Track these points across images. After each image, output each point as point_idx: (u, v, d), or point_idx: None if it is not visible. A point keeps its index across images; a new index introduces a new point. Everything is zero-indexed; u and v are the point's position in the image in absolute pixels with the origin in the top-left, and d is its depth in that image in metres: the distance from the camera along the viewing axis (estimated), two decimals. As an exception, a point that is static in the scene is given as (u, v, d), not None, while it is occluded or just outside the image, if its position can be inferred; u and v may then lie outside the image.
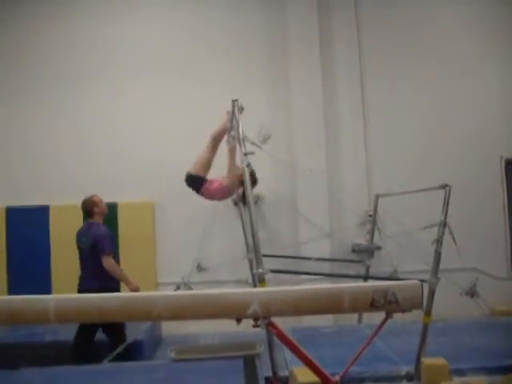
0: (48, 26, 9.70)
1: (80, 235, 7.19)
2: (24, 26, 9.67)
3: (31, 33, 9.66)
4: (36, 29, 9.67)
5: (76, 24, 9.73)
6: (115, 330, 6.83)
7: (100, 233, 7.05)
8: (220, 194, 7.50)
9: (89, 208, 7.25)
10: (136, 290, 6.97)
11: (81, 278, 7.13)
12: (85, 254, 7.08)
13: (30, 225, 9.29)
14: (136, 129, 9.49)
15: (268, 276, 6.10)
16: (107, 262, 6.92)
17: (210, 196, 7.52)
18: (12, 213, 9.34)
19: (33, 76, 9.62)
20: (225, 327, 6.11)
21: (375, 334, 4.07)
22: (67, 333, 7.12)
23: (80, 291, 6.88)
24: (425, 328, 6.28)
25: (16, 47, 9.68)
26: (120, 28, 9.75)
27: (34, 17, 9.70)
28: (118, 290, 7.00)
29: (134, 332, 7.10)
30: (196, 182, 7.43)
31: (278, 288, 3.99)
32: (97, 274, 6.92)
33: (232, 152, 7.14)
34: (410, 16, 9.78)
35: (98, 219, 7.24)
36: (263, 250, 6.26)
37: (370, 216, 9.01)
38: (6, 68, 9.65)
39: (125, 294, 4.20)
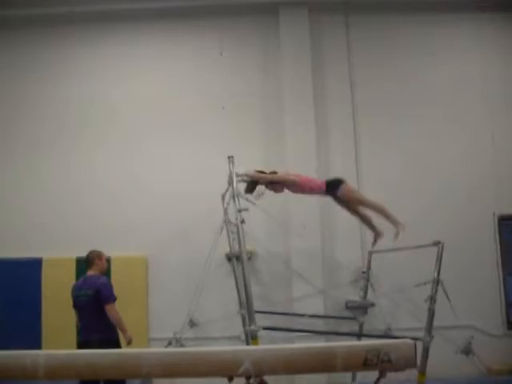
0: (45, 83, 9.89)
1: (79, 288, 7.06)
2: (21, 80, 9.87)
3: (29, 89, 9.83)
4: (34, 85, 9.85)
5: (72, 80, 9.92)
6: None
7: (103, 281, 6.98)
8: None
9: (92, 259, 7.14)
10: (130, 341, 6.89)
11: (81, 330, 7.03)
12: (85, 306, 6.98)
13: (21, 277, 9.18)
14: (130, 183, 9.53)
15: (261, 333, 6.05)
16: (112, 309, 6.82)
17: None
18: (3, 265, 9.23)
19: (29, 129, 9.76)
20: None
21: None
22: None
23: (82, 343, 6.76)
24: (419, 387, 6.21)
25: (15, 102, 9.85)
26: (113, 85, 9.91)
27: (31, 73, 9.93)
28: (118, 340, 6.90)
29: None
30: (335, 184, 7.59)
31: (270, 346, 3.97)
32: (99, 324, 6.78)
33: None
34: (403, 73, 9.98)
35: (97, 271, 7.18)
36: (256, 306, 6.25)
37: (363, 273, 8.97)
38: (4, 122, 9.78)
39: (115, 350, 4.15)
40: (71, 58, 9.99)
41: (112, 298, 6.86)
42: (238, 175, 7.21)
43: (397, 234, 7.31)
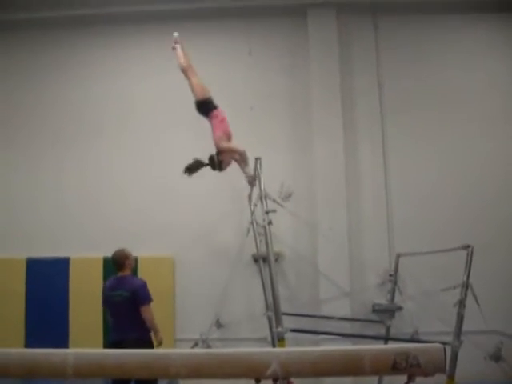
0: (61, 84, 10.04)
1: (112, 288, 7.10)
2: (38, 82, 10.03)
3: (46, 90, 9.98)
4: (50, 87, 10.00)
5: (92, 81, 10.04)
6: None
7: (139, 283, 7.06)
8: (223, 130, 7.42)
9: (121, 261, 7.18)
10: (161, 342, 6.94)
11: (114, 329, 7.08)
12: (120, 306, 6.99)
13: (49, 276, 9.29)
14: (157, 184, 9.57)
15: (287, 335, 6.04)
16: (148, 311, 6.91)
17: (219, 124, 7.45)
18: (32, 264, 9.38)
19: (54, 129, 9.91)
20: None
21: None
22: None
23: (115, 342, 6.80)
24: (448, 392, 6.14)
25: (32, 104, 9.99)
26: (136, 85, 9.98)
27: (47, 75, 10.09)
28: (151, 340, 6.93)
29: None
30: (204, 105, 7.50)
31: (297, 348, 3.95)
32: (134, 325, 6.84)
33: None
34: (431, 75, 9.88)
35: (128, 271, 7.22)
36: (283, 308, 6.24)
37: (390, 276, 8.90)
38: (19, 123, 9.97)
39: (143, 350, 4.15)
40: (91, 59, 10.08)
41: (148, 300, 6.94)
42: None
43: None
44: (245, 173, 7.39)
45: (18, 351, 3.82)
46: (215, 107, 7.46)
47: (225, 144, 7.19)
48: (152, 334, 6.95)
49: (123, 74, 10.04)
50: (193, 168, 7.35)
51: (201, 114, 7.50)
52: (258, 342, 8.71)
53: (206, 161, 7.28)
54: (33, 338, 8.96)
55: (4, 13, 9.84)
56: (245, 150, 7.23)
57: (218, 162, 7.22)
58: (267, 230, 6.35)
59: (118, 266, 7.17)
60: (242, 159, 7.30)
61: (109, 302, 7.07)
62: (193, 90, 7.54)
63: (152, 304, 6.93)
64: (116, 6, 9.81)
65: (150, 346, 6.77)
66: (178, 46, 7.52)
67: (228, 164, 7.30)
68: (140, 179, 9.64)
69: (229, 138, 7.36)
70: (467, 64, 9.93)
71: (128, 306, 6.90)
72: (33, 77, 10.07)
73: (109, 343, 6.95)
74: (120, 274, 7.16)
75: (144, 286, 7.01)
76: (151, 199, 9.55)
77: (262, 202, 6.60)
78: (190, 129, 9.62)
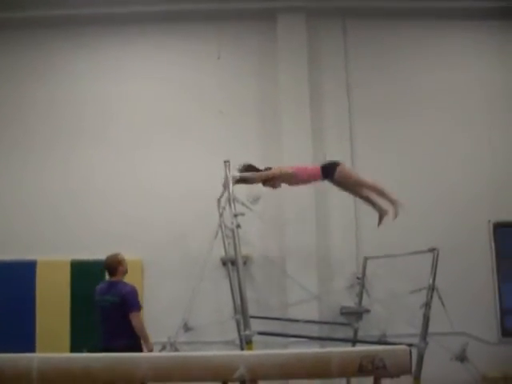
0: (44, 84, 9.89)
1: (102, 292, 7.10)
2: (19, 82, 9.89)
3: (28, 90, 9.85)
4: (32, 87, 9.86)
5: (70, 82, 9.91)
6: None
7: (129, 290, 7.01)
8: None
9: (114, 265, 7.20)
10: (151, 350, 6.91)
11: (103, 335, 7.02)
12: (109, 312, 6.97)
13: (16, 279, 9.15)
14: (126, 186, 9.51)
15: (255, 338, 6.04)
16: (137, 318, 6.90)
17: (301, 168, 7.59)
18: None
19: (26, 131, 9.75)
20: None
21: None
22: None
23: (103, 348, 6.73)
24: (414, 394, 6.20)
25: (14, 103, 9.85)
26: (112, 87, 9.89)
27: (29, 75, 9.93)
28: (141, 347, 6.93)
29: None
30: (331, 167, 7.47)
31: (265, 351, 3.96)
32: (122, 331, 6.84)
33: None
34: (400, 78, 10.00)
35: (120, 277, 7.21)
36: (251, 311, 6.23)
37: (358, 278, 8.97)
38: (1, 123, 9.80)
39: (109, 354, 4.12)
40: (69, 59, 9.95)
41: (137, 307, 6.93)
42: (234, 178, 7.18)
43: (394, 213, 7.28)
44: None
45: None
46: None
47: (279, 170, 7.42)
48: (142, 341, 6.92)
49: (105, 76, 9.94)
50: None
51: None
52: (227, 345, 8.70)
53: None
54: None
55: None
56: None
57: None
58: (235, 233, 6.34)
59: (110, 270, 7.19)
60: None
61: (98, 307, 7.06)
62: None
63: (141, 311, 6.92)
64: (91, 8, 9.74)
65: (140, 352, 6.69)
66: None
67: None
68: (111, 182, 9.56)
69: (288, 178, 7.61)
70: (436, 68, 10.04)
71: (117, 312, 6.87)
72: (13, 77, 9.92)
73: (99, 349, 6.76)
74: (112, 278, 7.14)
75: (134, 292, 6.99)
76: (120, 201, 9.48)
77: (230, 205, 6.59)
78: (168, 131, 9.64)
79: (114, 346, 6.49)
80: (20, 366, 3.56)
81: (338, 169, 7.33)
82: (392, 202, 7.34)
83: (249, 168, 7.38)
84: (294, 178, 7.40)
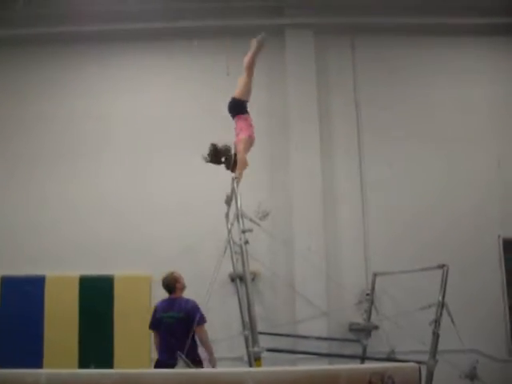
0: (50, 100, 9.99)
1: (165, 310, 7.28)
2: (26, 97, 9.98)
3: (34, 105, 9.92)
4: (38, 102, 9.94)
5: (77, 98, 9.97)
6: None
7: (193, 304, 7.22)
8: (249, 133, 7.41)
9: (172, 284, 7.41)
10: (215, 364, 7.14)
11: (166, 351, 7.09)
12: (173, 327, 7.13)
13: (25, 294, 9.16)
14: (135, 202, 9.53)
15: (264, 354, 6.01)
16: (203, 331, 7.16)
17: (247, 127, 7.45)
18: (7, 282, 9.23)
19: (33, 146, 9.82)
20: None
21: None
22: None
23: (164, 363, 6.85)
24: (423, 412, 6.14)
25: (15, 120, 9.92)
26: (120, 104, 9.98)
27: (35, 90, 10.04)
28: (201, 361, 7.16)
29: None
30: (240, 105, 7.47)
31: (273, 368, 3.94)
32: (185, 346, 6.92)
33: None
34: (408, 95, 10.03)
35: (179, 294, 7.41)
36: (259, 328, 6.21)
37: (367, 295, 8.94)
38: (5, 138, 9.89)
39: (117, 370, 4.11)
40: (75, 75, 10.05)
41: (204, 320, 7.18)
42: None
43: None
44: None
45: (-10, 372, 3.77)
46: (247, 112, 7.48)
47: (242, 154, 7.22)
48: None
49: (106, 91, 10.03)
50: (211, 155, 7.39)
51: (230, 113, 7.52)
52: (235, 361, 8.66)
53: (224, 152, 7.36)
54: (6, 358, 8.81)
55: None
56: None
57: (232, 163, 7.31)
58: (243, 249, 6.33)
59: (169, 288, 7.42)
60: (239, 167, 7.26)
61: (161, 324, 7.22)
62: (238, 87, 7.55)
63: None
64: (99, 24, 9.79)
65: (201, 365, 6.99)
66: (259, 47, 7.55)
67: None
68: (119, 197, 9.58)
69: (251, 143, 7.41)
70: (445, 85, 10.10)
71: (181, 328, 7.07)
72: (17, 93, 10.01)
73: (159, 364, 7.02)
74: (172, 296, 7.33)
75: (198, 307, 7.19)
76: (129, 218, 9.49)
77: (238, 221, 6.59)
78: (178, 147, 9.65)
79: (177, 361, 6.68)
80: (28, 382, 3.56)
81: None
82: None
83: (216, 149, 7.36)
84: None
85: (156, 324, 7.33)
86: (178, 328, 7.13)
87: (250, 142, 7.34)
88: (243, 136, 7.24)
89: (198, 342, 7.23)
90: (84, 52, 10.05)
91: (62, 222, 9.54)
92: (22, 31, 9.85)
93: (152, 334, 7.61)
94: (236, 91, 7.51)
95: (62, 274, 9.23)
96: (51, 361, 8.75)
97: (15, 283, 9.21)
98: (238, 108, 7.50)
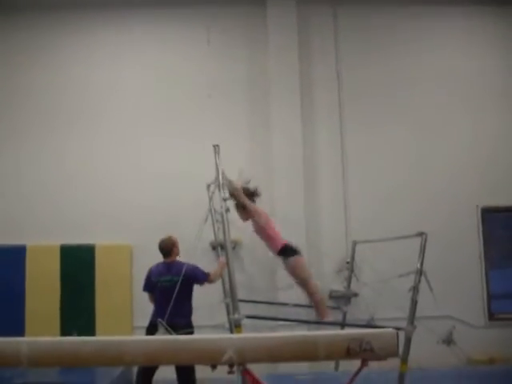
0: (41, 68, 9.93)
1: (160, 273, 7.24)
2: (18, 66, 9.94)
3: (26, 75, 9.87)
4: (30, 71, 9.89)
5: (65, 67, 9.93)
6: (187, 372, 6.88)
7: (191, 266, 7.19)
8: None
9: (169, 247, 7.39)
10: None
11: (160, 314, 6.97)
12: (170, 291, 6.99)
13: (5, 264, 9.16)
14: (116, 171, 9.53)
15: (244, 321, 6.06)
16: (212, 281, 7.40)
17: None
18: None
19: (22, 116, 9.78)
20: (199, 373, 6.09)
21: (351, 382, 4.05)
22: (36, 376, 7.09)
23: (170, 326, 6.71)
24: (401, 376, 6.26)
25: (5, 92, 9.86)
26: (103, 73, 9.91)
27: (26, 59, 9.97)
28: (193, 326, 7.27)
29: (106, 377, 7.00)
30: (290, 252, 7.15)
31: (253, 334, 3.98)
32: (182, 310, 7.11)
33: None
34: (390, 65, 10.03)
35: (174, 258, 7.41)
36: (240, 295, 6.24)
37: (347, 263, 9.01)
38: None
39: (98, 338, 4.15)
40: (61, 44, 9.99)
41: (206, 276, 7.34)
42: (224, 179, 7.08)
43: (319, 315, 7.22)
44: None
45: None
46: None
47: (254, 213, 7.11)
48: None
49: (96, 61, 9.99)
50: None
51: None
52: (216, 329, 8.72)
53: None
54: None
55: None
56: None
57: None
58: (224, 218, 6.34)
59: (165, 252, 7.39)
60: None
61: (155, 287, 7.21)
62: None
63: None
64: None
65: (192, 333, 7.04)
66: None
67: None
68: (101, 166, 9.57)
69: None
70: (425, 53, 10.11)
71: (178, 291, 6.95)
72: (7, 63, 9.91)
73: (152, 326, 6.96)
74: (167, 260, 7.32)
75: (195, 267, 7.26)
76: (110, 187, 9.49)
77: (219, 190, 6.59)
78: (158, 116, 9.65)
79: (178, 324, 6.80)
80: (9, 350, 3.58)
81: (294, 258, 7.18)
82: (320, 311, 7.20)
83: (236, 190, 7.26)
84: (259, 227, 7.24)
85: (150, 287, 7.32)
86: (173, 292, 6.96)
87: (255, 216, 7.14)
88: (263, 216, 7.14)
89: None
90: (69, 21, 9.99)
91: (42, 192, 9.51)
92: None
93: (146, 297, 7.53)
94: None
95: (42, 244, 9.21)
96: (33, 330, 8.78)
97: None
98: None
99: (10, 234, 9.23)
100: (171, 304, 6.91)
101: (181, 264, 7.27)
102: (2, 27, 9.97)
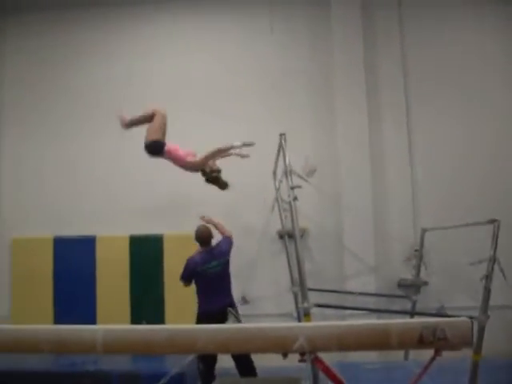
0: (93, 64, 10.15)
1: (205, 261, 7.35)
2: (56, 62, 10.18)
3: (78, 72, 10.07)
4: (80, 67, 10.12)
5: (121, 60, 10.13)
6: (247, 360, 7.08)
7: (220, 241, 7.65)
8: (185, 153, 7.28)
9: (209, 236, 7.55)
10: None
11: (213, 302, 7.25)
12: (220, 275, 7.34)
13: (76, 254, 9.43)
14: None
15: (312, 310, 6.05)
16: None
17: (180, 158, 7.25)
18: (59, 242, 9.52)
19: (79, 109, 10.00)
20: (266, 361, 6.09)
21: (424, 372, 3.97)
22: (108, 363, 7.33)
23: (218, 311, 7.11)
24: (474, 366, 6.12)
25: (63, 85, 10.10)
26: (165, 64, 10.04)
27: (77, 55, 10.19)
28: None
29: (177, 364, 7.09)
30: (157, 146, 7.16)
31: (324, 323, 3.95)
32: (229, 291, 7.43)
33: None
34: (456, 49, 9.74)
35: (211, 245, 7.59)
36: (308, 284, 6.23)
37: (416, 251, 8.86)
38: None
39: (171, 326, 4.19)
40: (119, 37, 10.18)
41: (229, 237, 7.73)
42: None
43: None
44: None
45: (49, 327, 3.90)
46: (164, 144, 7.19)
47: (199, 158, 7.16)
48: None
49: (158, 52, 10.09)
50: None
51: (152, 156, 7.29)
52: (283, 317, 8.76)
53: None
54: (61, 315, 9.09)
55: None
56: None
57: (216, 179, 7.35)
58: (293, 206, 6.33)
59: (204, 241, 7.52)
60: (222, 152, 7.25)
61: (203, 276, 7.30)
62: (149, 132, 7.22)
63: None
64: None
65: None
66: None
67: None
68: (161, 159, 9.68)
69: (194, 154, 7.29)
70: (497, 42, 9.77)
71: (223, 275, 7.34)
72: (63, 58, 10.15)
73: (205, 315, 7.08)
74: (206, 248, 7.47)
75: (221, 239, 7.69)
76: (174, 178, 9.56)
77: (287, 178, 6.58)
78: (222, 106, 9.67)
79: (232, 304, 7.28)
80: (85, 337, 3.65)
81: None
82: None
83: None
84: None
85: (192, 276, 7.35)
86: (221, 276, 7.31)
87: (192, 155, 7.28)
88: (186, 159, 7.20)
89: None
90: (124, 14, 10.12)
91: (110, 186, 9.72)
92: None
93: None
94: (147, 136, 7.17)
95: (112, 235, 9.43)
96: (104, 318, 9.02)
97: (67, 243, 9.46)
98: (158, 148, 7.18)
99: (81, 226, 9.48)
100: (228, 287, 7.36)
101: (215, 245, 7.53)
102: (38, 23, 10.22)
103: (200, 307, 7.33)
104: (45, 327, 3.83)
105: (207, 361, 7.03)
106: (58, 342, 3.65)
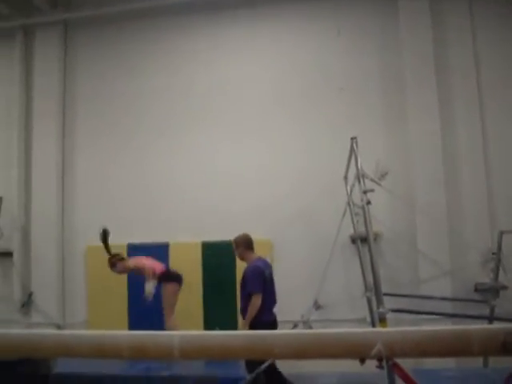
0: (158, 72, 10.37)
1: (266, 267, 7.48)
2: (139, 70, 10.41)
3: (145, 81, 10.27)
4: (147, 77, 10.34)
5: (187, 69, 10.27)
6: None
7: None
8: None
9: (252, 244, 7.62)
10: None
11: (271, 309, 7.38)
12: (272, 285, 7.46)
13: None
14: (252, 167, 9.76)
15: (387, 315, 5.97)
16: None
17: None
18: (133, 249, 9.70)
19: (154, 116, 10.18)
20: (337, 367, 6.03)
21: (508, 381, 3.85)
22: (182, 368, 7.47)
23: (275, 320, 7.33)
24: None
25: (129, 95, 10.34)
26: (230, 70, 10.13)
27: (140, 65, 10.44)
28: None
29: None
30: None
31: (402, 328, 3.86)
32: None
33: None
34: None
35: None
36: (382, 289, 6.15)
37: (493, 254, 8.61)
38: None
39: (247, 331, 4.20)
40: (187, 46, 10.31)
41: None
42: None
43: None
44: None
45: (128, 333, 3.93)
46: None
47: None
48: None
49: (223, 59, 10.19)
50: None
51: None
52: (357, 322, 8.67)
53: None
54: (135, 322, 9.26)
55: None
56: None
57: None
58: (366, 210, 6.27)
59: (252, 246, 7.61)
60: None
61: (266, 282, 7.35)
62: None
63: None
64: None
65: None
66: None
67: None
68: (234, 164, 9.78)
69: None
70: None
71: (273, 283, 7.44)
72: (127, 69, 10.41)
73: (268, 323, 7.11)
74: (257, 255, 7.56)
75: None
76: (246, 183, 9.64)
77: (359, 182, 6.52)
78: (290, 110, 9.70)
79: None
80: (163, 343, 3.68)
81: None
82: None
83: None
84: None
85: (265, 283, 7.30)
86: (273, 283, 7.41)
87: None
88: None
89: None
90: (194, 22, 10.26)
91: (183, 194, 9.89)
92: (122, 7, 10.29)
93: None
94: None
95: (184, 241, 9.58)
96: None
97: (141, 250, 9.59)
98: None
99: (153, 233, 9.65)
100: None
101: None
102: (121, 34, 10.46)
103: (261, 316, 7.19)
104: (124, 333, 3.89)
105: (269, 371, 6.96)
106: (137, 348, 3.70)
